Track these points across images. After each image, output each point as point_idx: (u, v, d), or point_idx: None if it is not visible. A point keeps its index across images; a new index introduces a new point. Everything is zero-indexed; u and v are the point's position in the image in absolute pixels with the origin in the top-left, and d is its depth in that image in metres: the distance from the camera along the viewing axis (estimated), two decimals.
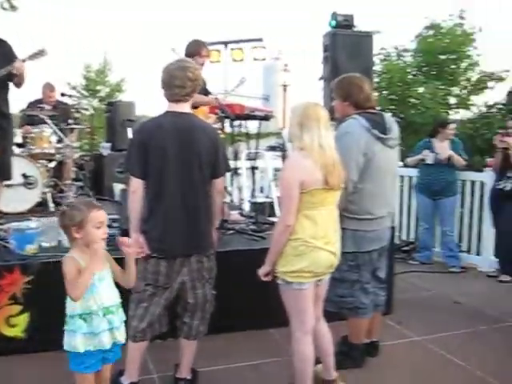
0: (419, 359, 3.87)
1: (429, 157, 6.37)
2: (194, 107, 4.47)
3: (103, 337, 2.58)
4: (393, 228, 4.13)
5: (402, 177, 7.05)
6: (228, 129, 5.15)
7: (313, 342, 3.03)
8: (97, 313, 2.57)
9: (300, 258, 2.87)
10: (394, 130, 3.53)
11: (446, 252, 6.48)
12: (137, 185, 3.01)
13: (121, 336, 2.67)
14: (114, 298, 2.68)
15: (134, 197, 3.03)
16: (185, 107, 3.11)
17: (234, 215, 5.24)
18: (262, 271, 3.01)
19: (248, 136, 5.58)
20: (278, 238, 2.91)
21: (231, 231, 4.69)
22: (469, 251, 6.71)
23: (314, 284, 2.98)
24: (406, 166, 6.87)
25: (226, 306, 3.50)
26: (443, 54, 13.34)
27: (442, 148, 6.38)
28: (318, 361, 3.21)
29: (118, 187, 5.90)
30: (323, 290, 3.15)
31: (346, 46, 4.51)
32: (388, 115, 3.61)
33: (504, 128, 5.86)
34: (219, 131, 4.71)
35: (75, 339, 2.55)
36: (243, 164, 7.14)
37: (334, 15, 4.55)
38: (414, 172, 6.85)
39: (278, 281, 2.97)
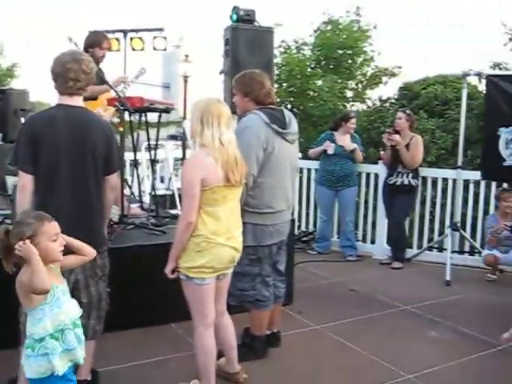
0: (319, 347, 4.00)
1: (330, 147, 6.56)
2: (93, 99, 4.33)
3: (77, 352, 2.41)
4: (292, 221, 4.23)
5: (301, 169, 7.22)
6: (127, 118, 5.02)
7: (216, 335, 3.05)
8: (69, 327, 2.38)
9: (202, 254, 2.88)
10: (294, 126, 3.60)
11: (344, 241, 6.72)
12: (25, 180, 2.87)
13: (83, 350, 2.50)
14: (77, 308, 2.52)
15: (22, 193, 2.87)
16: (78, 101, 2.99)
17: (134, 209, 5.13)
18: (167, 269, 2.98)
19: (148, 125, 5.48)
20: (180, 235, 2.90)
21: (131, 226, 4.58)
22: (364, 240, 7.02)
23: (216, 279, 3.01)
24: (307, 157, 7.04)
25: (126, 303, 3.44)
26: (340, 48, 13.76)
27: (344, 141, 6.60)
28: (221, 354, 3.24)
29: (10, 180, 5.59)
30: (226, 285, 3.18)
31: (246, 41, 4.53)
32: (288, 111, 3.68)
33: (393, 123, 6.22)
34: (119, 124, 4.60)
35: (52, 362, 2.31)
36: (143, 155, 7.03)
37: (236, 9, 4.57)
38: (313, 164, 7.04)
39: (180, 276, 2.96)
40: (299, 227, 7.31)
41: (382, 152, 6.71)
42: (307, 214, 7.45)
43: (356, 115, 7.23)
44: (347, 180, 6.61)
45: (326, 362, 3.78)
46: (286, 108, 13.22)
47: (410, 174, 6.19)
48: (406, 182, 6.20)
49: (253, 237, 3.42)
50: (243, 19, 4.56)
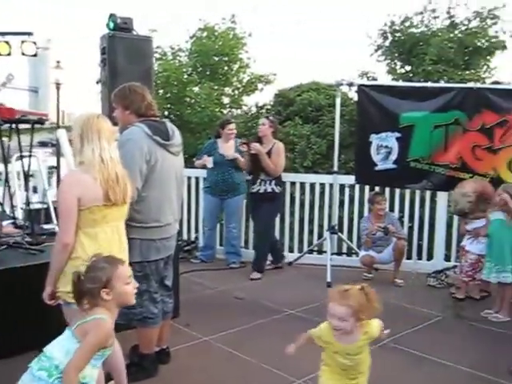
0: (209, 359, 3.97)
1: (208, 161, 6.55)
2: None
3: None
4: (178, 233, 4.16)
5: (189, 177, 7.13)
6: None
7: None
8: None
9: None
10: (177, 137, 3.56)
11: (228, 248, 6.74)
12: None
13: None
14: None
15: None
16: None
17: (7, 227, 4.79)
18: (45, 294, 2.80)
19: (19, 132, 5.13)
20: (57, 258, 2.75)
21: (4, 246, 4.27)
22: (247, 246, 7.10)
23: None
24: (193, 166, 6.98)
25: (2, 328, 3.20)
26: (217, 55, 13.90)
27: (227, 148, 6.58)
28: (109, 377, 3.11)
29: None
30: None
31: (124, 50, 4.40)
32: (170, 123, 3.62)
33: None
34: None
35: None
36: (14, 167, 6.61)
37: (112, 17, 4.42)
38: (199, 172, 6.97)
39: (60, 301, 2.80)
40: (181, 236, 7.20)
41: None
42: (188, 222, 7.37)
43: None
44: (232, 189, 6.57)
45: (216, 373, 3.76)
46: (164, 116, 13.12)
47: (273, 182, 6.12)
48: (270, 190, 6.12)
49: (139, 253, 3.34)
50: (120, 27, 4.43)
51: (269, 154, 6.09)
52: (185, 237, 7.31)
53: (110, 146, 2.85)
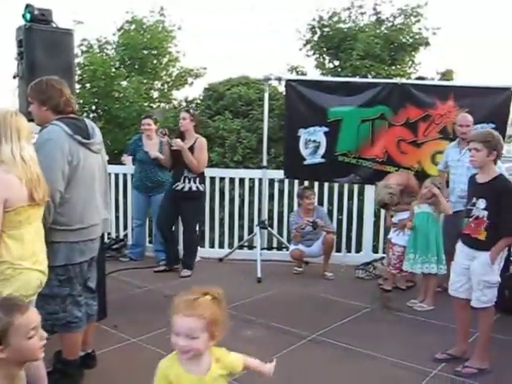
0: (137, 362, 3.84)
1: (128, 161, 6.45)
2: None
3: None
4: (102, 234, 4.03)
5: (117, 174, 6.99)
6: None
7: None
8: None
9: (8, 283, 2.61)
10: (98, 135, 3.43)
11: (157, 246, 6.61)
12: None
13: None
14: None
15: None
16: None
17: None
18: None
19: None
20: None
21: None
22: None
23: None
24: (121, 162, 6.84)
25: None
26: (145, 49, 13.63)
27: (151, 145, 6.46)
28: None
29: None
30: None
31: (43, 43, 4.17)
32: (89, 120, 3.49)
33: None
34: None
35: None
36: None
37: (29, 8, 4.19)
38: (128, 169, 6.85)
39: None
40: (109, 234, 6.98)
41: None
42: (117, 220, 7.20)
43: (160, 115, 6.95)
44: (158, 186, 6.47)
45: (145, 377, 3.65)
46: (91, 110, 12.79)
47: (197, 179, 5.92)
48: (195, 188, 5.91)
49: (63, 255, 3.21)
50: (38, 19, 4.21)
51: (191, 149, 5.86)
52: (113, 235, 7.14)
53: (29, 144, 2.74)
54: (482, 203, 3.63)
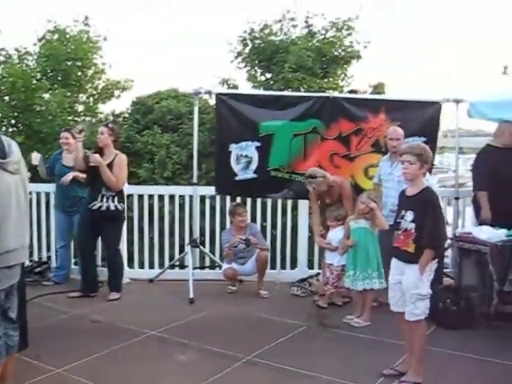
0: None
1: (34, 158, 6.23)
2: None
3: None
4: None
5: (38, 193, 6.62)
6: None
7: None
8: None
9: None
10: (15, 153, 3.16)
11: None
12: None
13: None
14: None
15: None
16: None
17: None
18: None
19: None
20: None
21: None
22: (103, 265, 6.62)
23: None
24: (44, 181, 6.49)
25: None
26: (69, 60, 13.09)
27: (70, 159, 6.06)
28: None
29: None
30: None
31: None
32: (6, 137, 3.21)
33: None
34: None
35: None
36: None
37: None
38: (49, 188, 6.51)
39: None
40: (31, 256, 6.52)
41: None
42: (39, 240, 6.75)
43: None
44: (78, 204, 6.11)
45: None
46: (10, 125, 12.17)
47: (116, 198, 5.63)
48: (113, 208, 5.62)
49: None
50: None
51: (110, 166, 5.58)
52: (36, 257, 6.72)
53: None
54: (409, 215, 3.66)
